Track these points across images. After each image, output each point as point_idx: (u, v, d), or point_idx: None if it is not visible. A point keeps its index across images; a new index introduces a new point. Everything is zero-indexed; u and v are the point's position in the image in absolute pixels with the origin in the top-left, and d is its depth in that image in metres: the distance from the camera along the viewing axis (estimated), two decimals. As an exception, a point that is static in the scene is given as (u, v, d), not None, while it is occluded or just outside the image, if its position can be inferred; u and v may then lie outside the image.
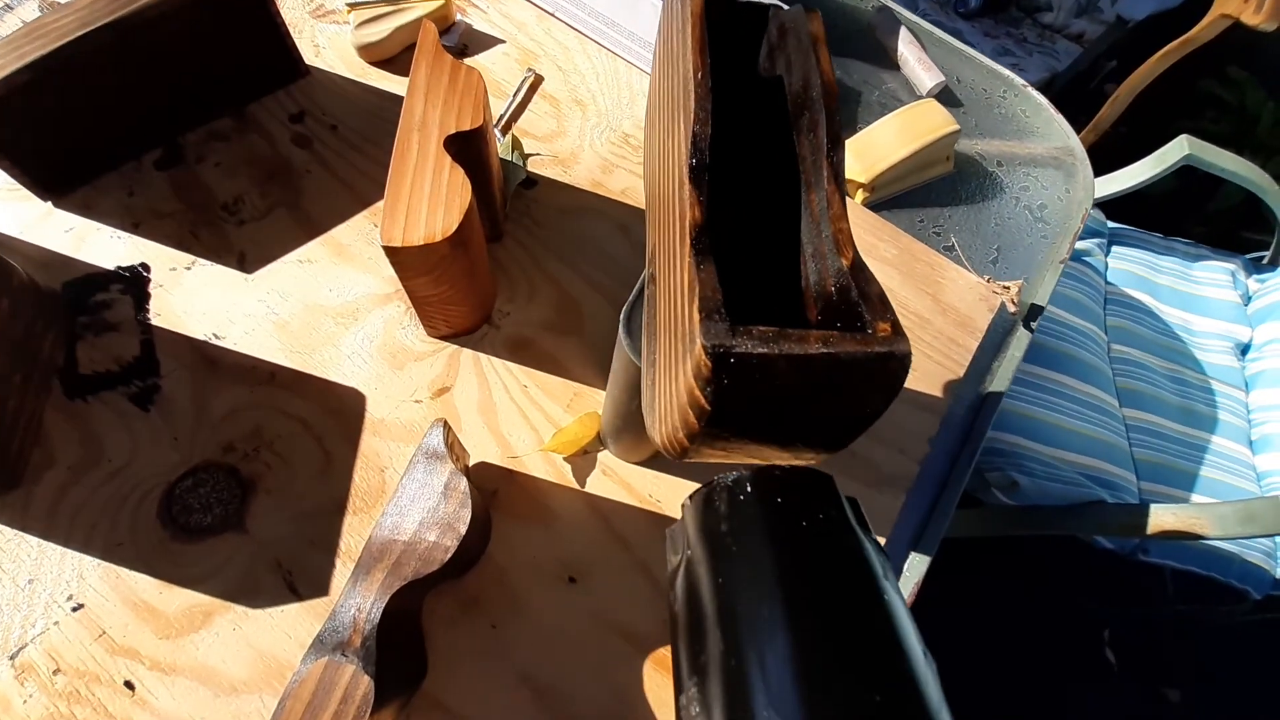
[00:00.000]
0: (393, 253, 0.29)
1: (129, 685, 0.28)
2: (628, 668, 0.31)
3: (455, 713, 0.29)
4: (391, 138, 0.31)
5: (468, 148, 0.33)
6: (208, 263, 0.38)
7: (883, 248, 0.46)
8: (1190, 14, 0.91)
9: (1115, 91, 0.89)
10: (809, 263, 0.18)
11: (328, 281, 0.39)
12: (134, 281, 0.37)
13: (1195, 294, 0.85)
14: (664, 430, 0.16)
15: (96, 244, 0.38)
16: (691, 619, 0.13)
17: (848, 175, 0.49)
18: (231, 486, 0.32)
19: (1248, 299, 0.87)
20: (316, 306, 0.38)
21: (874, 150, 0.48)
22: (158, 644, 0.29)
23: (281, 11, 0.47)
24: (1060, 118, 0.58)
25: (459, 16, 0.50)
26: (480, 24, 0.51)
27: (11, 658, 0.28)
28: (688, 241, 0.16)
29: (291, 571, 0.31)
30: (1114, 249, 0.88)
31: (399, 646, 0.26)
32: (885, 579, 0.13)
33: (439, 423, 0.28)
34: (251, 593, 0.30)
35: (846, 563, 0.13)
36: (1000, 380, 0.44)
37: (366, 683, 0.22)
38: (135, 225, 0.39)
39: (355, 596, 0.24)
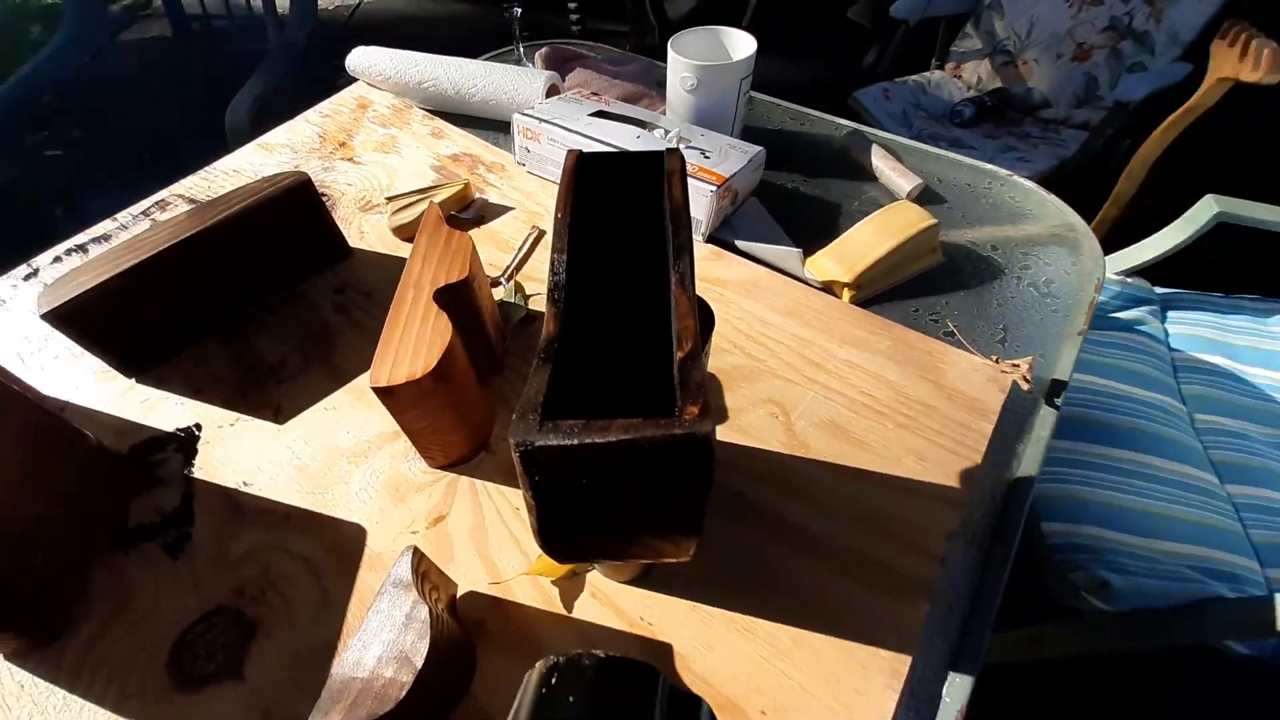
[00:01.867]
0: (381, 392, 0.33)
1: None
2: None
3: None
4: (395, 281, 0.36)
5: (457, 297, 0.38)
6: (249, 418, 0.44)
7: (874, 340, 0.46)
8: (1193, 83, 0.93)
9: (1122, 174, 0.89)
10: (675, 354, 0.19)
11: (346, 424, 0.43)
12: (187, 441, 0.42)
13: (1278, 350, 0.76)
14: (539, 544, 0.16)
15: (163, 410, 0.44)
16: None
17: (831, 278, 0.50)
18: (235, 631, 0.34)
19: (1352, 352, 0.76)
20: (335, 448, 0.41)
21: (853, 251, 0.50)
22: (148, 803, 0.29)
23: (339, 207, 0.58)
24: (1053, 198, 0.59)
25: (476, 194, 0.60)
26: (495, 198, 0.60)
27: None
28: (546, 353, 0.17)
29: (279, 720, 0.31)
30: (1170, 314, 0.82)
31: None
32: None
33: (408, 550, 0.29)
34: (238, 744, 0.30)
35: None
36: (1029, 464, 0.40)
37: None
38: (196, 391, 0.45)
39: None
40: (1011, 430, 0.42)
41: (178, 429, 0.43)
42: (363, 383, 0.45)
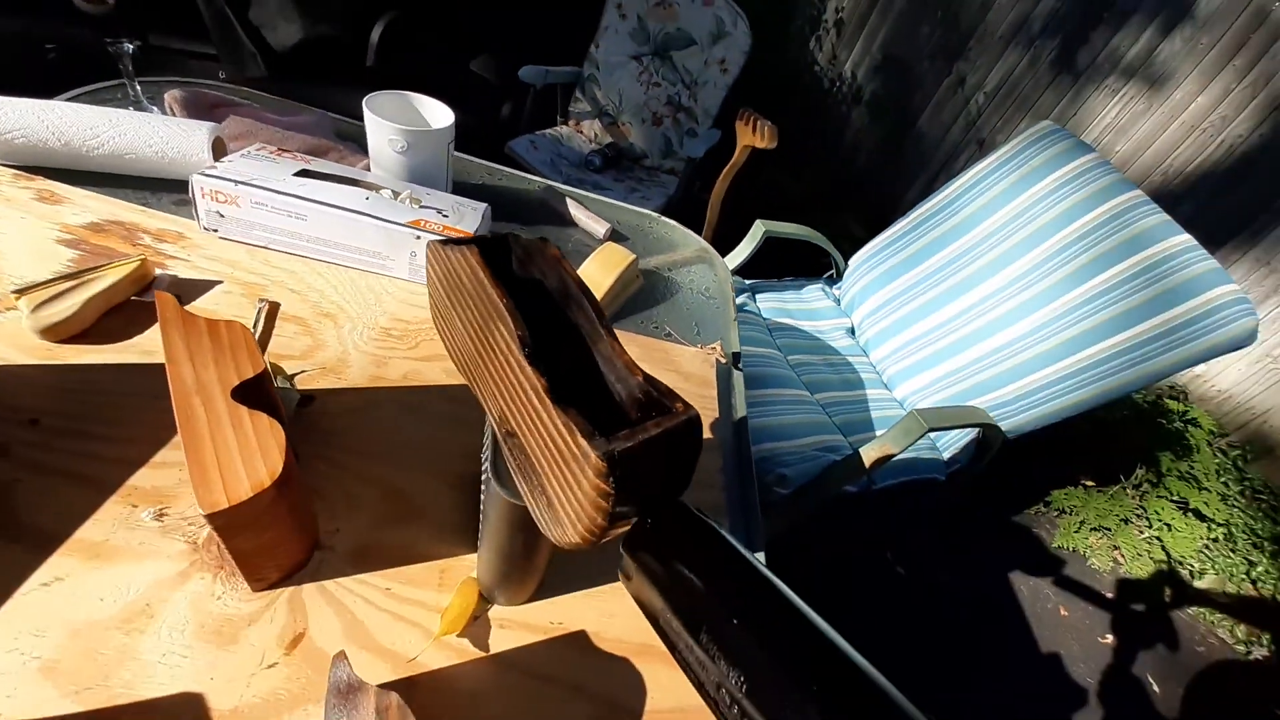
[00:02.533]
0: (218, 516, 0.28)
1: None
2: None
3: None
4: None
5: (255, 393, 0.34)
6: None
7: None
8: (731, 147, 1.40)
9: (708, 207, 1.30)
10: (616, 385, 0.27)
11: (92, 591, 0.32)
12: None
13: (811, 308, 1.25)
14: (580, 528, 0.22)
15: None
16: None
17: (578, 307, 0.62)
18: None
19: (837, 300, 1.30)
20: (89, 625, 0.31)
21: (589, 285, 0.63)
22: None
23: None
24: (688, 230, 0.84)
25: (159, 271, 0.49)
26: (187, 272, 0.50)
27: None
28: (547, 401, 0.23)
29: None
30: (758, 296, 1.23)
31: None
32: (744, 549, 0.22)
33: (336, 658, 0.27)
34: None
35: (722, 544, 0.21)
36: (740, 409, 0.60)
37: None
38: None
39: None
40: (724, 390, 0.61)
41: None
42: (91, 533, 0.34)
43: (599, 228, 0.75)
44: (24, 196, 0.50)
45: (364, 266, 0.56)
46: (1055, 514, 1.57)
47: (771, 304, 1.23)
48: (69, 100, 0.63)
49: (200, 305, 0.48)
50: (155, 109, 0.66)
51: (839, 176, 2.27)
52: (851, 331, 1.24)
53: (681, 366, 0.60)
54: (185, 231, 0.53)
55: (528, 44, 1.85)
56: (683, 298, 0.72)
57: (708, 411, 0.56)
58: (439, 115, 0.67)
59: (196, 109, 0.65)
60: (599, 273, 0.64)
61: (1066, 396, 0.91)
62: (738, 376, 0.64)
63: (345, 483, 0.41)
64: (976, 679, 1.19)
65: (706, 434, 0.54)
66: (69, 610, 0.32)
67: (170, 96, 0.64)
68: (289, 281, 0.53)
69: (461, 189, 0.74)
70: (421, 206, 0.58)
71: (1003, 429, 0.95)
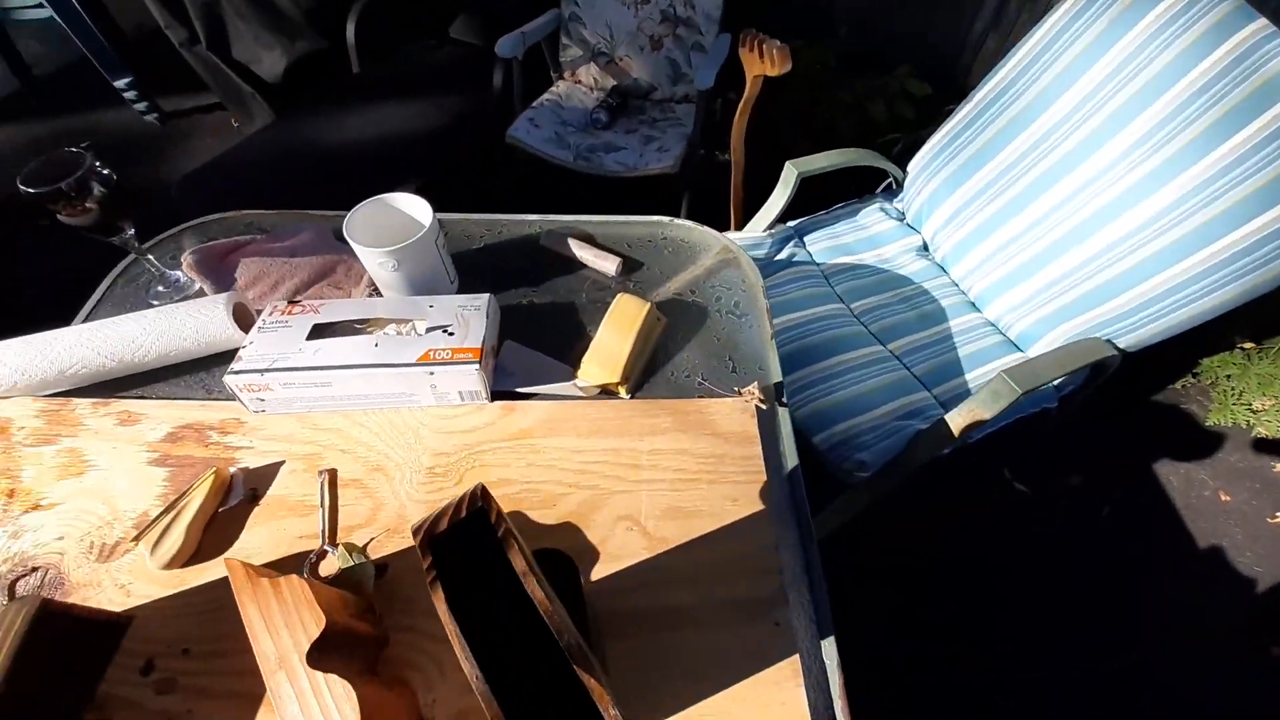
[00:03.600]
0: (324, 784, 0.34)
1: None
2: None
3: None
4: (236, 621, 0.35)
5: (331, 644, 0.38)
6: None
7: (659, 422, 0.58)
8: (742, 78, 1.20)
9: (729, 154, 1.16)
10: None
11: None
12: None
13: (872, 234, 1.12)
14: None
15: None
16: None
17: (604, 383, 0.60)
18: None
19: (901, 216, 1.15)
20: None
21: (609, 354, 0.61)
22: None
23: (69, 578, 0.49)
24: (706, 229, 0.77)
25: (231, 469, 0.55)
26: (253, 461, 0.55)
27: None
28: None
29: None
30: (806, 239, 1.12)
31: None
32: None
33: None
34: None
35: None
36: (790, 457, 0.57)
37: None
38: None
39: None
40: (771, 437, 0.59)
41: None
42: (254, 749, 0.43)
43: (609, 265, 0.71)
44: (108, 424, 0.57)
45: (396, 405, 0.59)
46: (1207, 384, 1.37)
47: (824, 244, 1.11)
48: (105, 293, 0.69)
49: (275, 495, 0.54)
50: (177, 274, 0.70)
51: (880, 34, 1.89)
52: (925, 249, 1.10)
53: (719, 426, 0.58)
54: (242, 417, 0.58)
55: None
56: (712, 326, 0.67)
57: (754, 474, 0.55)
58: (419, 212, 0.64)
59: (209, 266, 0.68)
60: (615, 335, 0.61)
61: (1201, 300, 0.76)
62: (784, 415, 0.60)
63: (432, 647, 0.46)
64: (1134, 613, 1.10)
65: (754, 506, 0.53)
66: (257, 823, 0.40)
67: (185, 264, 0.68)
68: (339, 442, 0.57)
69: (464, 260, 0.73)
70: (426, 332, 0.58)
71: (1120, 347, 0.83)
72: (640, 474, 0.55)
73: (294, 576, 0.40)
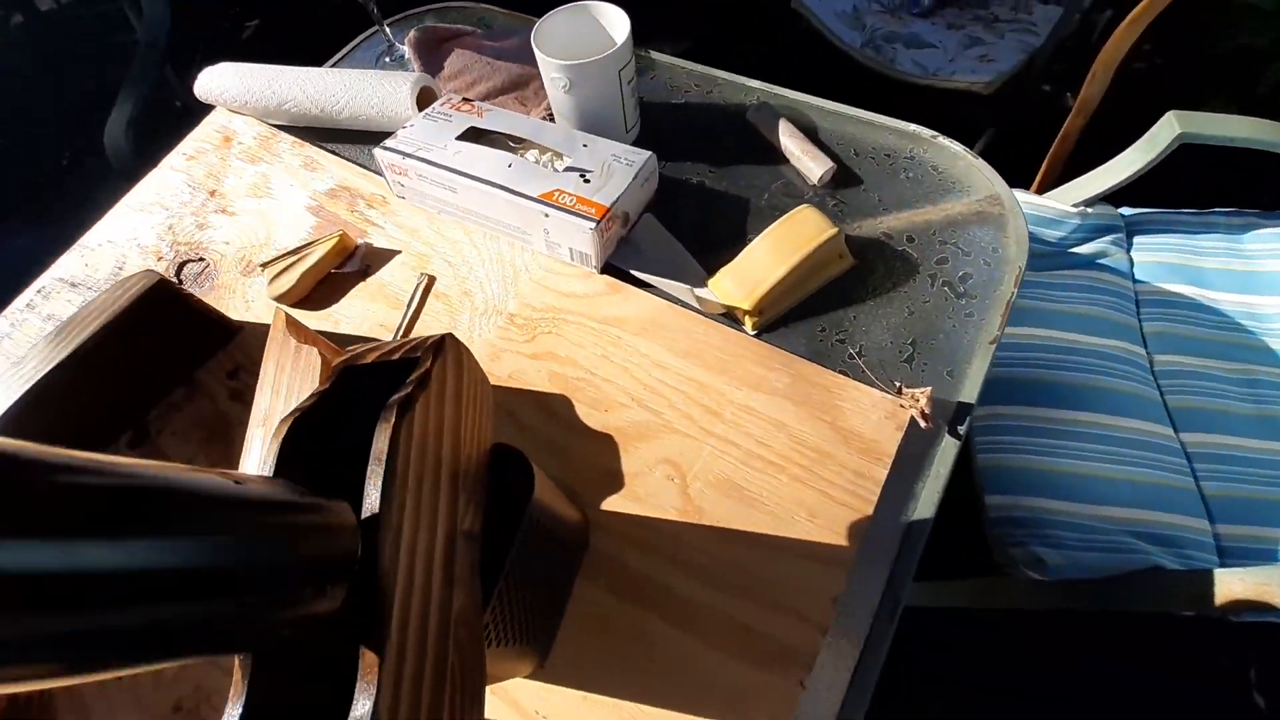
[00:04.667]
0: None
1: None
2: None
3: None
4: None
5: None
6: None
7: (773, 378, 0.44)
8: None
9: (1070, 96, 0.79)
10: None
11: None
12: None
13: (1254, 270, 0.72)
14: None
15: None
16: None
17: (732, 303, 0.47)
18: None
19: (1332, 259, 0.71)
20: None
21: (752, 273, 0.47)
22: None
23: (220, 273, 0.56)
24: (981, 163, 0.53)
25: (359, 240, 0.56)
26: (379, 240, 0.56)
27: None
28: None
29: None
30: (1137, 240, 0.76)
31: None
32: None
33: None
34: None
35: None
36: (925, 506, 0.39)
37: None
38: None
39: None
40: (910, 467, 0.41)
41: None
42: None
43: (815, 168, 0.53)
44: (296, 163, 0.62)
45: (510, 236, 0.53)
46: None
47: (1161, 256, 0.74)
48: (346, 54, 0.74)
49: (379, 278, 0.54)
50: (403, 49, 0.72)
51: None
52: (1347, 320, 0.67)
53: (846, 419, 0.41)
54: (387, 196, 0.59)
55: None
56: (911, 292, 0.48)
57: (858, 501, 0.39)
58: (615, 31, 0.54)
59: (427, 49, 0.68)
60: (770, 254, 0.46)
61: None
62: (948, 448, 0.41)
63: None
64: None
65: (838, 539, 0.38)
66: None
67: (407, 40, 0.68)
68: (450, 253, 0.54)
69: (656, 109, 0.61)
70: (566, 169, 0.50)
71: None
72: (715, 425, 0.43)
73: (316, 350, 0.38)
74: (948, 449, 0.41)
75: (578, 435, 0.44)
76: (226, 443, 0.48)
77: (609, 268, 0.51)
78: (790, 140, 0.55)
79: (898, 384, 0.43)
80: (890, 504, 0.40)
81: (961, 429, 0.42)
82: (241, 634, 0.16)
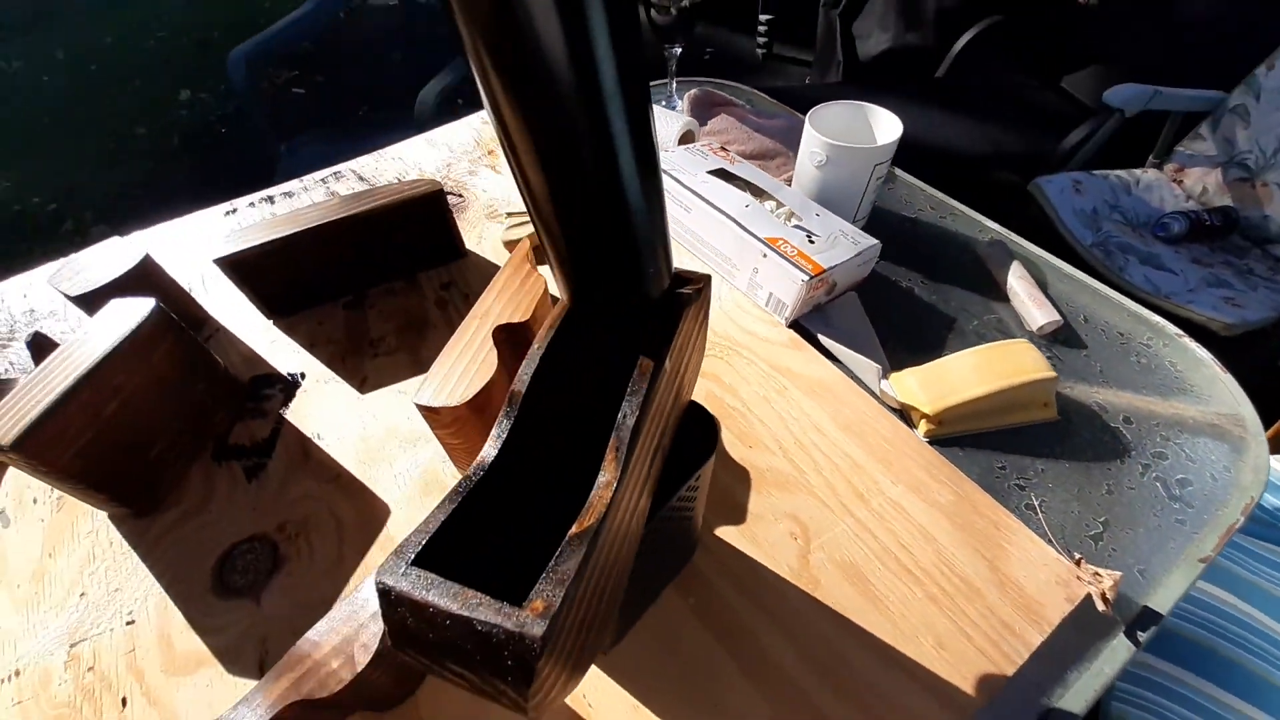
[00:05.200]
0: (422, 409, 0.36)
1: (124, 702, 0.34)
2: None
3: None
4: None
5: (515, 337, 0.40)
6: (340, 381, 0.50)
7: (935, 489, 0.41)
8: None
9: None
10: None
11: (409, 411, 0.48)
12: (291, 385, 0.50)
13: None
14: None
15: (283, 353, 0.53)
16: None
17: (911, 403, 0.46)
18: (267, 561, 0.39)
19: None
20: (393, 430, 0.46)
21: (944, 382, 0.45)
22: (158, 674, 0.35)
23: (469, 209, 0.65)
24: (1228, 377, 0.49)
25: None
26: (604, 229, 0.62)
27: (73, 645, 0.36)
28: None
29: (268, 652, 0.36)
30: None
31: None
32: None
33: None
34: (232, 658, 0.35)
35: None
36: (1075, 699, 0.34)
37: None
38: (311, 345, 0.53)
39: (247, 704, 0.27)
40: (1068, 650, 0.35)
41: (288, 373, 0.51)
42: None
43: (1040, 315, 0.52)
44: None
45: (717, 270, 0.57)
46: None
47: None
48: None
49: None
50: (680, 101, 0.82)
51: None
52: None
53: (1006, 562, 0.37)
54: (626, 199, 0.66)
55: (1145, 60, 1.37)
56: (1118, 473, 0.43)
57: (998, 654, 0.34)
58: (884, 131, 0.58)
59: (700, 106, 0.78)
60: (973, 373, 0.45)
61: None
62: (1118, 649, 0.35)
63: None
64: None
65: (964, 683, 0.33)
66: (395, 415, 0.47)
67: (689, 95, 0.78)
68: (658, 259, 0.59)
69: (886, 217, 0.64)
70: (795, 225, 0.53)
71: None
72: (858, 508, 0.40)
73: (541, 278, 0.43)
74: (1119, 650, 0.35)
75: (716, 456, 0.44)
76: (418, 334, 0.54)
77: (796, 326, 0.53)
78: (1018, 282, 0.55)
79: (1077, 556, 0.38)
80: (1032, 680, 0.34)
81: (1143, 637, 0.36)
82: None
